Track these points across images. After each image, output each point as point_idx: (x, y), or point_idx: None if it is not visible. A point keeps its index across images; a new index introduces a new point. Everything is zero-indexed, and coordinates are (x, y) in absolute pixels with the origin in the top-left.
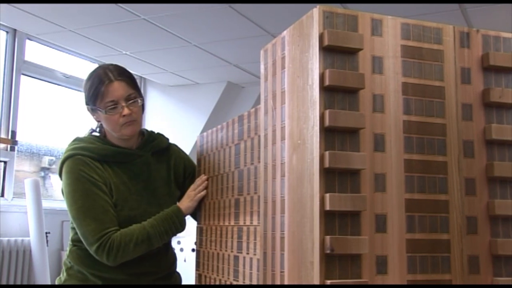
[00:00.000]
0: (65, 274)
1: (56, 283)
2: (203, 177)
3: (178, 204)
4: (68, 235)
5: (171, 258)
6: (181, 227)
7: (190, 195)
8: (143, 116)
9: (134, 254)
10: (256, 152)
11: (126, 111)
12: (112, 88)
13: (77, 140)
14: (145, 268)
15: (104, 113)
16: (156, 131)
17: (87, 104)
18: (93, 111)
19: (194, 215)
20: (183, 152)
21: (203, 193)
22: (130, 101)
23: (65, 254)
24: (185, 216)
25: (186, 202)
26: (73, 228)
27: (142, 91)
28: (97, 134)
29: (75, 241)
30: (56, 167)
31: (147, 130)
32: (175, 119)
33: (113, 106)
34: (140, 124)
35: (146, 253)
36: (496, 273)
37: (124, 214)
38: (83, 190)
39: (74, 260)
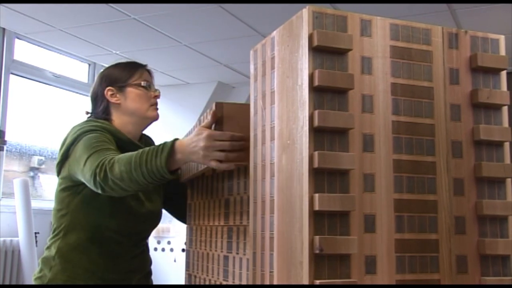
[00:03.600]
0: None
1: (36, 281)
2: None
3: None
4: (51, 230)
5: (150, 257)
6: (162, 165)
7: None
8: None
9: (121, 178)
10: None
11: (158, 93)
12: (148, 74)
13: (93, 120)
14: (135, 265)
15: (138, 89)
16: None
17: (114, 83)
18: (120, 89)
19: (183, 217)
20: None
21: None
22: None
23: (46, 252)
24: (175, 159)
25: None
26: (61, 217)
27: None
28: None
29: (65, 232)
30: (45, 166)
31: None
32: (166, 119)
33: (147, 85)
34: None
35: (136, 251)
36: (484, 273)
37: (125, 202)
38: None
39: (64, 261)
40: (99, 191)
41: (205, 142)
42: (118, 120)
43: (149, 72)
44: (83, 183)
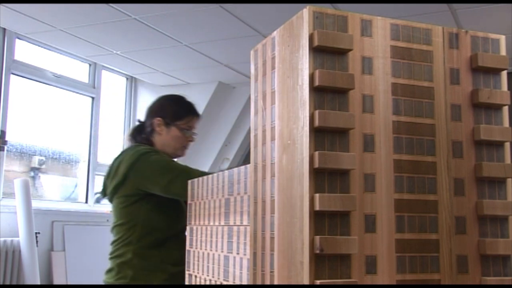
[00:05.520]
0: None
1: (120, 281)
2: None
3: None
4: (116, 236)
5: None
6: None
7: None
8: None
9: None
10: None
11: (192, 138)
12: (195, 121)
13: (141, 144)
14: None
15: (179, 132)
16: None
17: (163, 117)
18: (166, 124)
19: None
20: None
21: None
22: (195, 135)
23: (121, 258)
24: None
25: None
26: (130, 228)
27: (132, 91)
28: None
29: (141, 239)
30: (45, 167)
31: None
32: None
33: (188, 132)
34: None
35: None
36: (485, 273)
37: (181, 203)
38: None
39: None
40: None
41: None
42: (157, 144)
43: (198, 116)
44: (148, 196)
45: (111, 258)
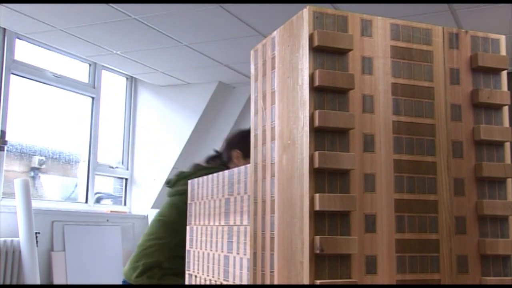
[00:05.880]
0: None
1: (148, 280)
2: None
3: None
4: (141, 241)
5: None
6: None
7: None
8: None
9: None
10: None
11: None
12: None
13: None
14: None
15: None
16: None
17: (242, 150)
18: (244, 157)
19: None
20: None
21: None
22: None
23: (151, 257)
24: None
25: None
26: (174, 232)
27: (132, 91)
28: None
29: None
30: (45, 167)
31: None
32: (166, 119)
33: None
34: None
35: None
36: (485, 273)
37: None
38: None
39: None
40: None
41: None
42: None
43: None
44: None
45: (139, 254)
